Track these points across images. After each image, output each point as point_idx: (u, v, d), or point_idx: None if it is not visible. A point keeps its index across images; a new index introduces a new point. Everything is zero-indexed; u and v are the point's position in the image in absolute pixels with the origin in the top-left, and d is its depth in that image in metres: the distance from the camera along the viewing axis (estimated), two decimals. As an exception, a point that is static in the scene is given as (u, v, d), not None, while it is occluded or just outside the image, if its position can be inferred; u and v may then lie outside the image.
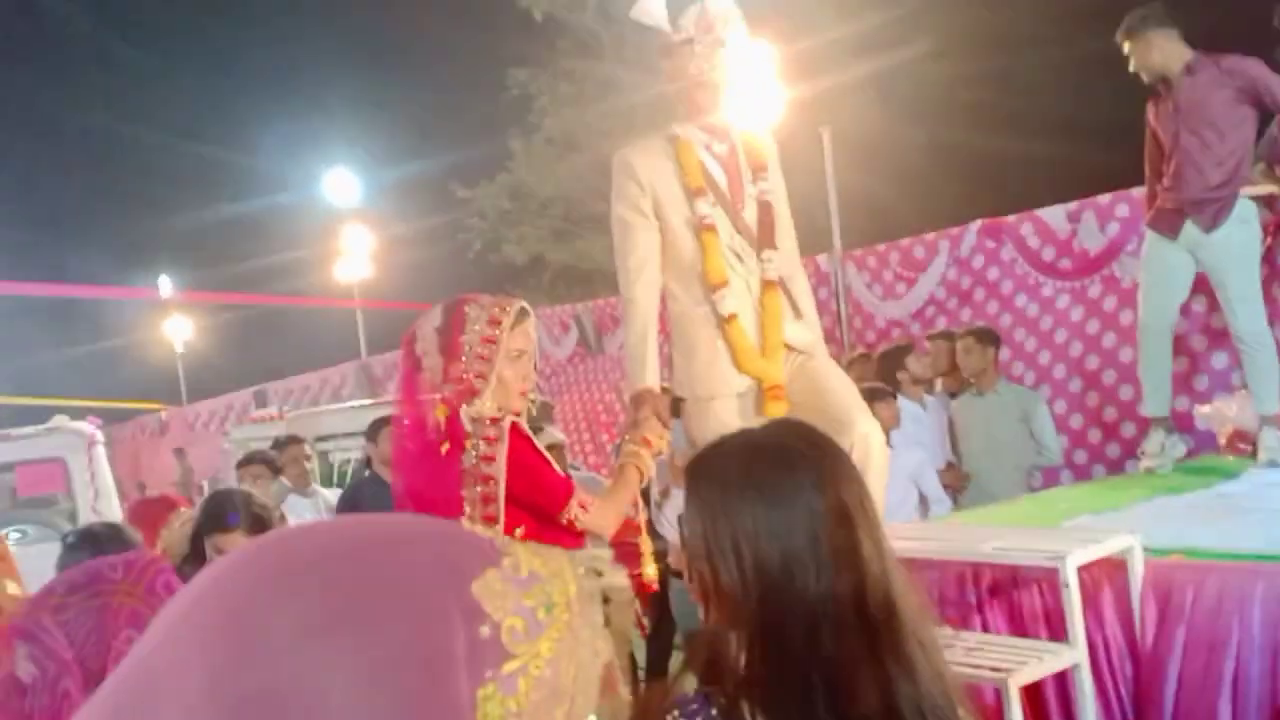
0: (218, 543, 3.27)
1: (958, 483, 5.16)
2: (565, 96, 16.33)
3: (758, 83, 8.89)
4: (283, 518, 3.40)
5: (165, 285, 18.48)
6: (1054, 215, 6.51)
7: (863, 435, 2.87)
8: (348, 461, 8.17)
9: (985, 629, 3.07)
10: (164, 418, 17.43)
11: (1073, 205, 6.41)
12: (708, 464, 1.33)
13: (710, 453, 1.34)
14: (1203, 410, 4.81)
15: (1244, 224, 4.29)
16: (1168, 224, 4.32)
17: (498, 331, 2.37)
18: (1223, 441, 4.63)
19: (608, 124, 15.24)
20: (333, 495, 5.65)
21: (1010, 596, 3.07)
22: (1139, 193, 5.73)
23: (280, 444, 5.89)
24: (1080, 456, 6.17)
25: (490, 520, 2.28)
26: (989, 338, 5.51)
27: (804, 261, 3.38)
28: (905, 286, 7.30)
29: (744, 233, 3.08)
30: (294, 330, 20.34)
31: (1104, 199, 6.26)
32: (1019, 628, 3.03)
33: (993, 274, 6.82)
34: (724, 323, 3.03)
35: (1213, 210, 4.23)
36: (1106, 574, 2.88)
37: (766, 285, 3.07)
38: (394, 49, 20.57)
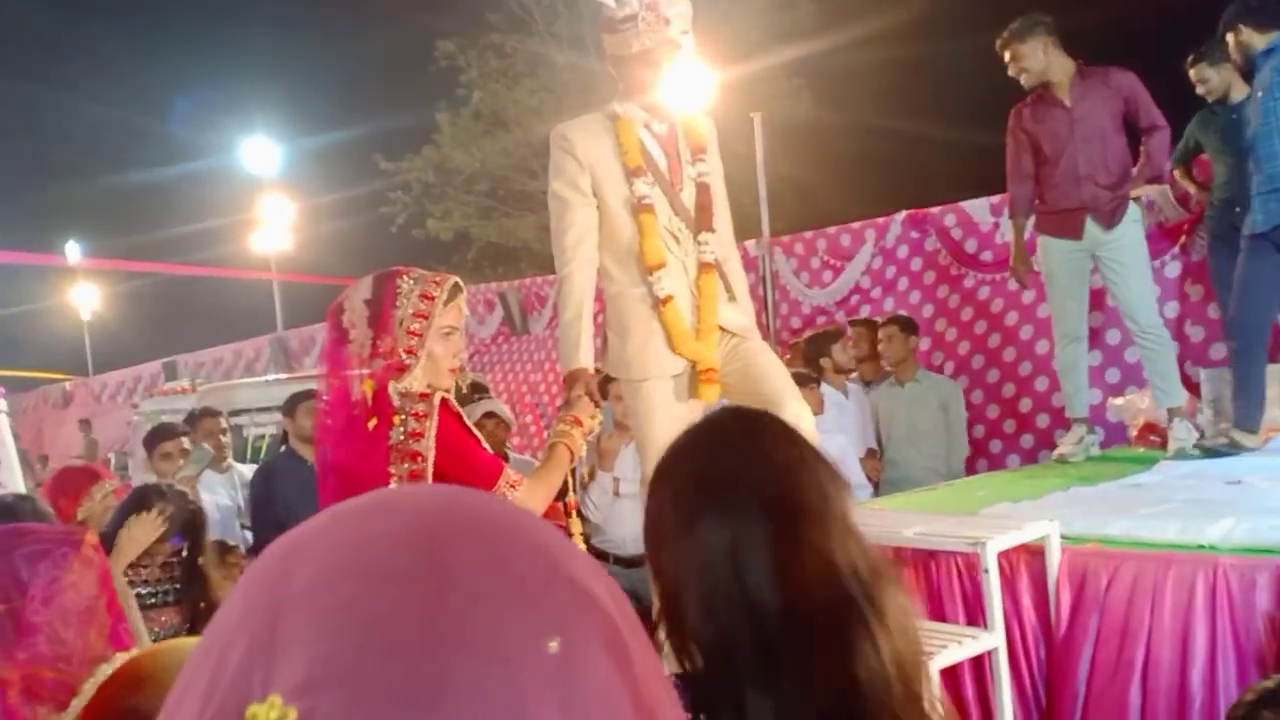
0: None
1: (875, 472, 5.23)
2: (494, 71, 16.12)
3: (691, 65, 8.88)
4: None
5: (72, 251, 17.82)
6: (977, 207, 6.61)
7: (793, 417, 2.87)
8: (262, 437, 7.97)
9: (905, 613, 3.11)
10: (68, 388, 16.84)
11: (995, 198, 6.50)
12: (667, 460, 1.30)
13: (671, 449, 1.31)
14: (1115, 403, 4.95)
15: (1136, 223, 4.49)
16: (1068, 226, 4.43)
17: (430, 307, 2.30)
18: (1134, 434, 4.77)
19: (537, 101, 15.09)
20: (248, 471, 5.50)
21: (930, 581, 3.11)
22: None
23: (194, 417, 5.71)
24: (995, 446, 6.29)
25: None
26: (910, 327, 5.60)
27: (733, 247, 3.39)
28: (831, 274, 7.36)
29: (681, 214, 3.07)
30: (207, 301, 19.82)
31: (1026, 192, 6.38)
32: (938, 611, 3.08)
33: (916, 264, 6.91)
34: (660, 304, 3.02)
35: (1111, 208, 4.40)
36: (1024, 560, 2.93)
37: (703, 267, 3.07)
38: (317, 14, 20.09)
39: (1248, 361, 4.09)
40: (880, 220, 7.15)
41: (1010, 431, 6.32)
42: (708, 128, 3.20)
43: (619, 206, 3.03)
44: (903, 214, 7.02)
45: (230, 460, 5.67)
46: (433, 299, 2.31)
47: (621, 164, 3.01)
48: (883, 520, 3.37)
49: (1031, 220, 4.64)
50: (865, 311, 7.09)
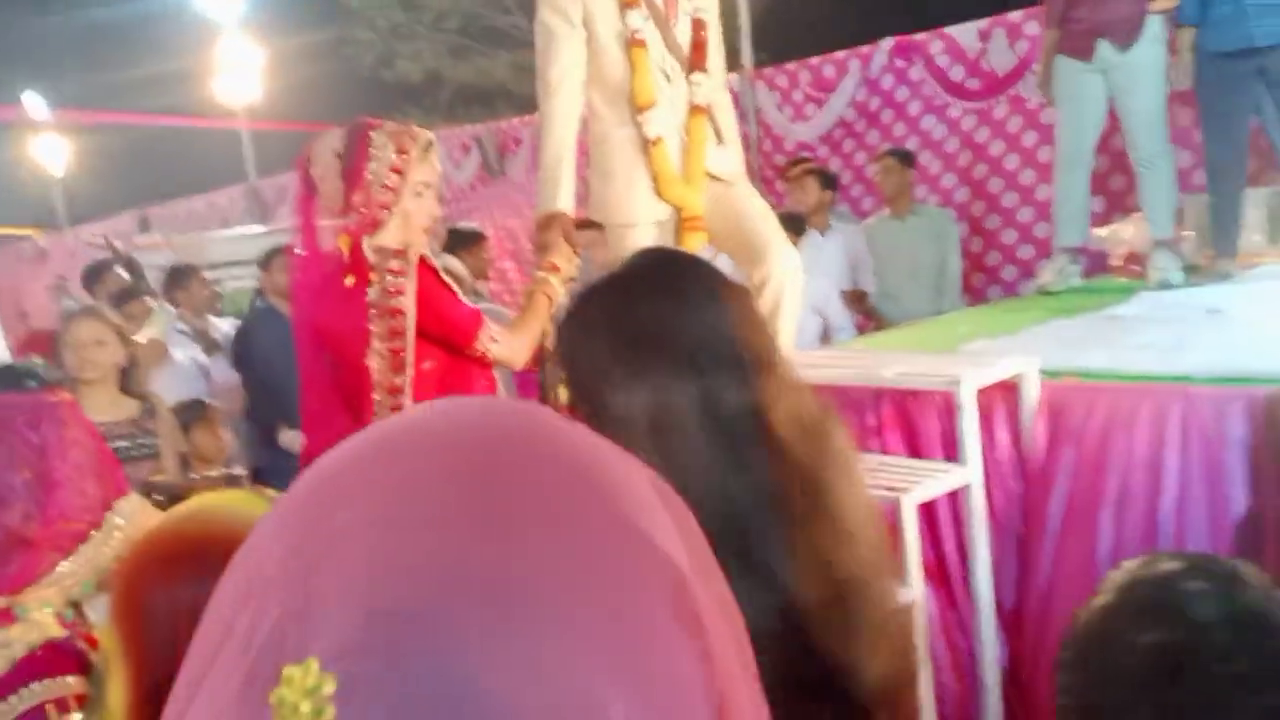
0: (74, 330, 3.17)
1: (860, 307, 5.23)
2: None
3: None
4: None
5: (33, 104, 17.23)
6: (965, 33, 6.40)
7: (780, 265, 2.84)
8: (242, 291, 7.90)
9: (885, 451, 3.14)
10: (42, 244, 16.59)
11: (984, 22, 6.31)
12: (578, 310, 1.22)
13: (581, 298, 1.22)
14: (1099, 233, 4.89)
15: (1155, 42, 4.29)
16: (1081, 47, 4.27)
17: (405, 163, 2.26)
18: (1117, 263, 4.73)
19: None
20: (226, 325, 5.45)
21: (909, 420, 3.13)
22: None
23: (178, 275, 5.62)
24: (978, 280, 6.27)
25: (398, 354, 2.21)
26: (908, 159, 5.52)
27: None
28: (815, 108, 7.17)
29: (674, 52, 2.93)
30: (176, 152, 19.34)
31: (1015, 15, 6.17)
32: (916, 449, 3.11)
33: (901, 94, 6.73)
34: (649, 145, 2.89)
35: (1127, 28, 4.21)
36: (1002, 396, 2.94)
37: (694, 110, 2.94)
38: None
39: (1227, 190, 4.03)
40: (865, 49, 6.91)
41: (994, 264, 6.29)
42: None
43: (610, 40, 2.87)
44: (889, 41, 6.78)
45: (210, 317, 5.61)
46: (407, 154, 2.26)
47: None
48: (863, 361, 3.37)
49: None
50: (849, 147, 6.95)
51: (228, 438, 3.97)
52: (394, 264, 2.22)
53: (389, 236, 2.26)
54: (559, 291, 2.59)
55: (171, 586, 1.02)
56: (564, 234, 2.73)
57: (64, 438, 1.42)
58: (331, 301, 2.26)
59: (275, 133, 13.41)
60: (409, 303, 2.20)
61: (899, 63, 6.72)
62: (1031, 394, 2.86)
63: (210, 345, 4.64)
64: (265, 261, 4.96)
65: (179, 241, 9.06)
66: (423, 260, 2.29)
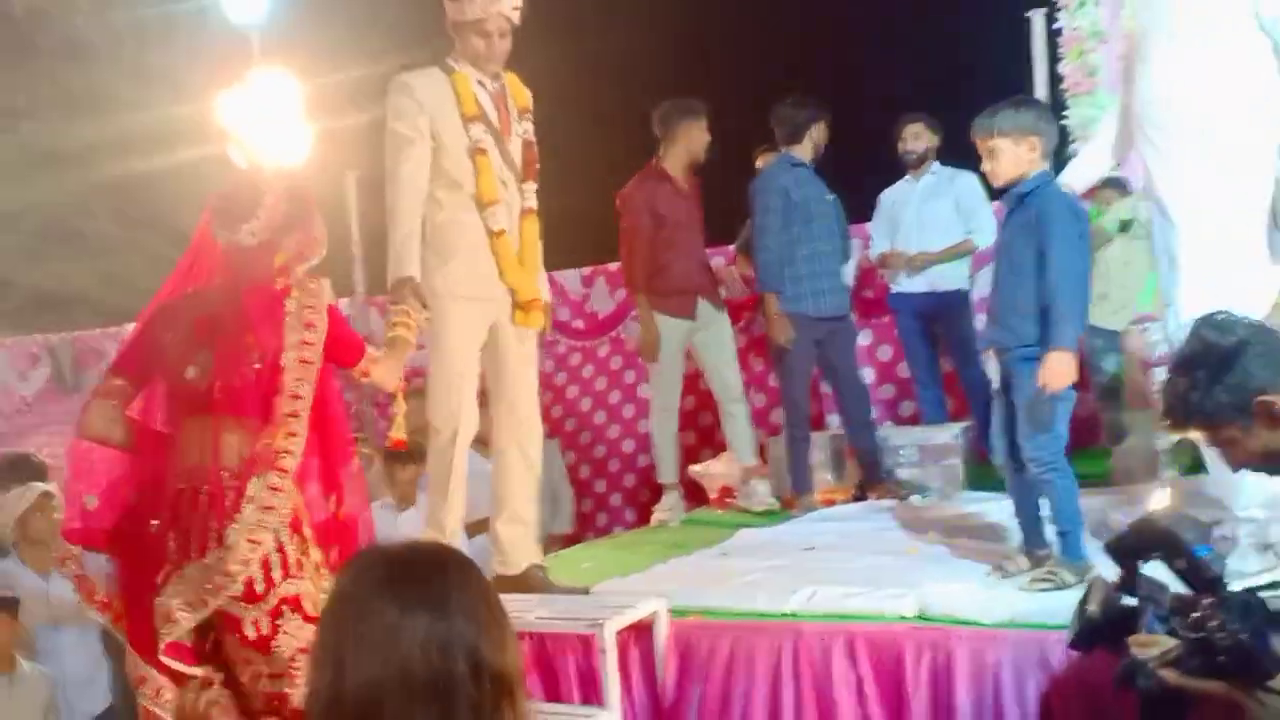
0: None
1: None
2: (48, 100, 14.39)
3: (282, 119, 8.54)
4: None
5: None
6: (570, 278, 6.95)
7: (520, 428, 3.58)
8: None
9: (526, 696, 3.17)
10: None
11: (586, 270, 6.89)
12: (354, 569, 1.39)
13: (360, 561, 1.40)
14: (695, 469, 5.39)
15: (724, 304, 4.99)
16: (684, 307, 4.78)
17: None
18: (714, 497, 5.22)
19: (102, 137, 13.66)
20: None
21: (547, 662, 3.20)
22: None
23: None
24: (587, 505, 6.61)
25: (307, 364, 2.57)
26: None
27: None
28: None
29: (509, 164, 3.44)
30: None
31: (614, 266, 6.82)
32: (554, 691, 3.18)
33: (512, 330, 7.11)
34: (493, 236, 3.37)
35: (716, 289, 4.84)
36: (634, 636, 3.11)
37: (526, 213, 3.46)
38: None
39: (800, 435, 4.66)
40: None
41: (601, 491, 6.67)
42: (528, 95, 3.58)
43: (454, 147, 3.35)
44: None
45: None
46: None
47: (459, 111, 3.35)
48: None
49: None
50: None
51: None
52: (312, 285, 2.67)
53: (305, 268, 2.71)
54: (412, 333, 3.04)
55: None
56: (413, 294, 3.20)
57: None
58: (264, 301, 2.61)
59: None
60: (322, 316, 2.64)
61: (510, 301, 7.14)
62: (663, 633, 3.05)
63: None
64: None
65: None
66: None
